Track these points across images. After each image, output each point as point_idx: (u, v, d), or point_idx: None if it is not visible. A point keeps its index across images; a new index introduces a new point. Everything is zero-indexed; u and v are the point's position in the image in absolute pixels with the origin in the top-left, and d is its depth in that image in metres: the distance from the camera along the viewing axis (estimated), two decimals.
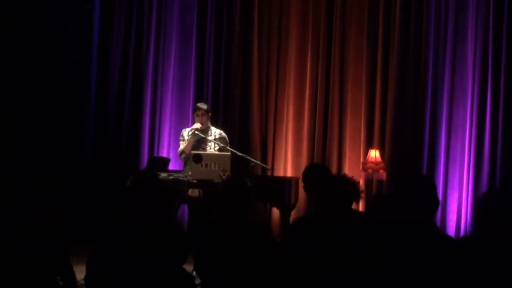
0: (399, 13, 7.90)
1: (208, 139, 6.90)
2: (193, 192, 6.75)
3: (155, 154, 8.37)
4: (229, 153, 6.71)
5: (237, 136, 8.21)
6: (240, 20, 8.32)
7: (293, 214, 6.91)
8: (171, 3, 8.50)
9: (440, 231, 3.70)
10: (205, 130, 6.93)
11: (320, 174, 5.21)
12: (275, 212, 7.76)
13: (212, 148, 6.91)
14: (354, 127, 8.12)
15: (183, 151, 6.94)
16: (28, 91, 8.08)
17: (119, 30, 8.46)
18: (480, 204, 3.76)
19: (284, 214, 6.79)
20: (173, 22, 8.49)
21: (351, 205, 4.09)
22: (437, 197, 3.71)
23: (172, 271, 3.30)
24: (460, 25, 7.84)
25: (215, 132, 7.01)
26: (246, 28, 8.34)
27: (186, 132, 7.03)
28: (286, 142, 8.30)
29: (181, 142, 7.03)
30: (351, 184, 4.07)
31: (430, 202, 3.67)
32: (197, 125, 6.88)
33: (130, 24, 8.46)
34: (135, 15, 8.46)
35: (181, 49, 8.49)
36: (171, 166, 7.40)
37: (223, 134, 7.02)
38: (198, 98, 8.24)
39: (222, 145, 6.92)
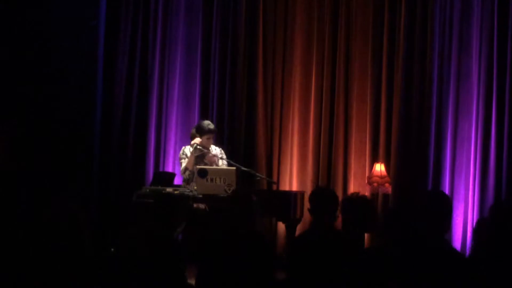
0: (403, 26, 7.90)
1: (209, 154, 6.92)
2: (199, 205, 6.76)
3: (161, 169, 8.37)
4: (235, 168, 6.72)
5: (243, 151, 8.22)
6: (245, 35, 8.33)
7: (299, 229, 6.90)
8: (176, 18, 8.52)
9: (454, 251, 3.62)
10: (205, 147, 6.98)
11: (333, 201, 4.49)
12: (281, 226, 7.75)
13: (220, 165, 6.94)
14: (359, 141, 8.11)
15: (186, 168, 6.94)
16: (34, 107, 8.10)
17: (124, 46, 8.47)
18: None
19: (290, 229, 6.78)
20: (178, 37, 8.51)
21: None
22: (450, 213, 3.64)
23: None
24: (464, 38, 7.84)
25: (215, 149, 7.04)
26: (251, 43, 8.35)
27: (187, 149, 7.05)
28: (292, 156, 8.29)
29: (182, 161, 7.04)
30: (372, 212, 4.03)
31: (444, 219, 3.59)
32: (198, 140, 6.90)
33: (135, 40, 8.48)
34: (140, 31, 8.48)
35: (186, 65, 8.50)
36: (176, 181, 7.41)
37: (222, 150, 7.08)
38: (203, 113, 8.26)
39: (226, 161, 6.97)
